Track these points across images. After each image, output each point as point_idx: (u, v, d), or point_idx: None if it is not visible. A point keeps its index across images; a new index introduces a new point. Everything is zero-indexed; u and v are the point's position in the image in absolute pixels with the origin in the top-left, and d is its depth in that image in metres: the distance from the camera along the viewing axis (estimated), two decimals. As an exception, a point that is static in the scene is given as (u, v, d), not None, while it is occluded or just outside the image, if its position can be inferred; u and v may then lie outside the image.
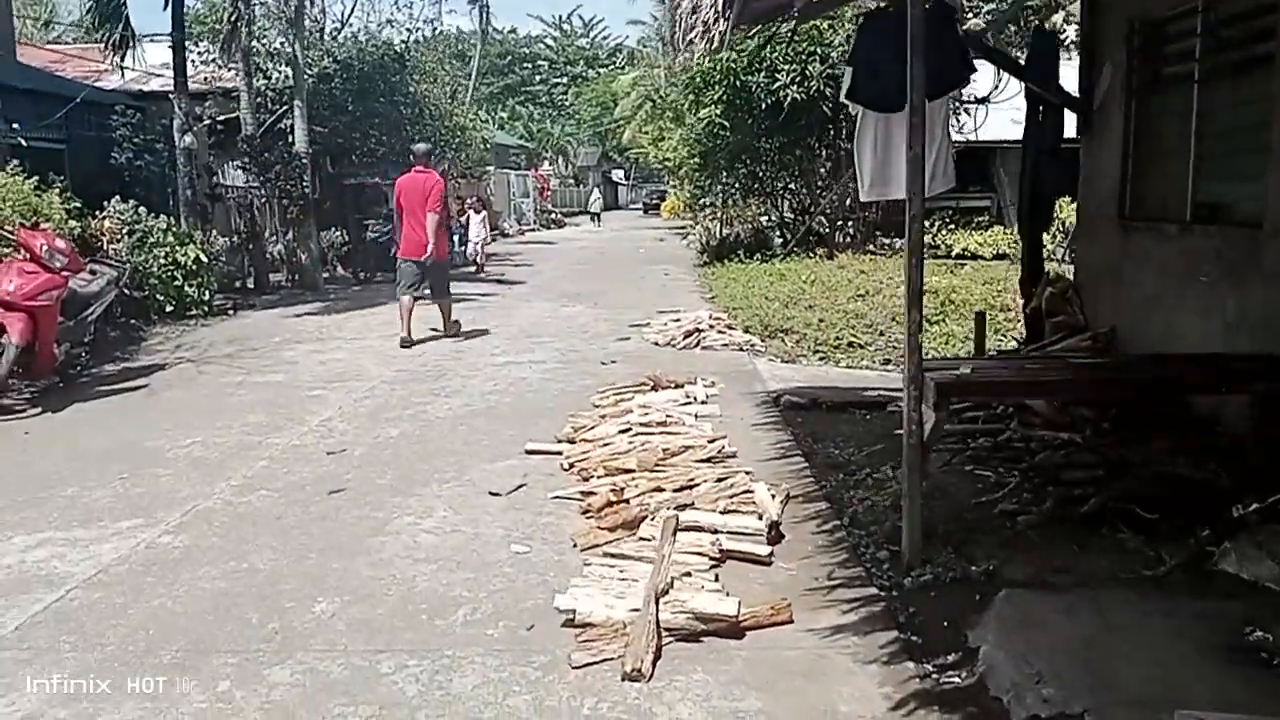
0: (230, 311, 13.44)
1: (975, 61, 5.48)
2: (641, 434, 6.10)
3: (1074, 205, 16.43)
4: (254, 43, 16.29)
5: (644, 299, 14.14)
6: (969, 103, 12.29)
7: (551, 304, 13.95)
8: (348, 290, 16.70)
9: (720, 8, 4.47)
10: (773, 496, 4.84)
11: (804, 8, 5.88)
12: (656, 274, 18.41)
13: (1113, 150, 5.87)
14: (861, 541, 4.51)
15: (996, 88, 5.76)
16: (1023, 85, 6.20)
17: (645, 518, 4.62)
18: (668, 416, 6.52)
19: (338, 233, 19.26)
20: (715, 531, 4.43)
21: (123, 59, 13.62)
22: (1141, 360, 4.74)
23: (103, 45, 13.66)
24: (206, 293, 12.96)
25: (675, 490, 5.02)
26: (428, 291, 10.64)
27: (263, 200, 16.44)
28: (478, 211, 21.01)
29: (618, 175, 70.41)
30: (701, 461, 5.58)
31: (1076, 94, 6.21)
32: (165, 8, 13.75)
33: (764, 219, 22.27)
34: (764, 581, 4.07)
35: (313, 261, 16.72)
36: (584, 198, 54.00)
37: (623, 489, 5.00)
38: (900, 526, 4.42)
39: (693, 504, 4.81)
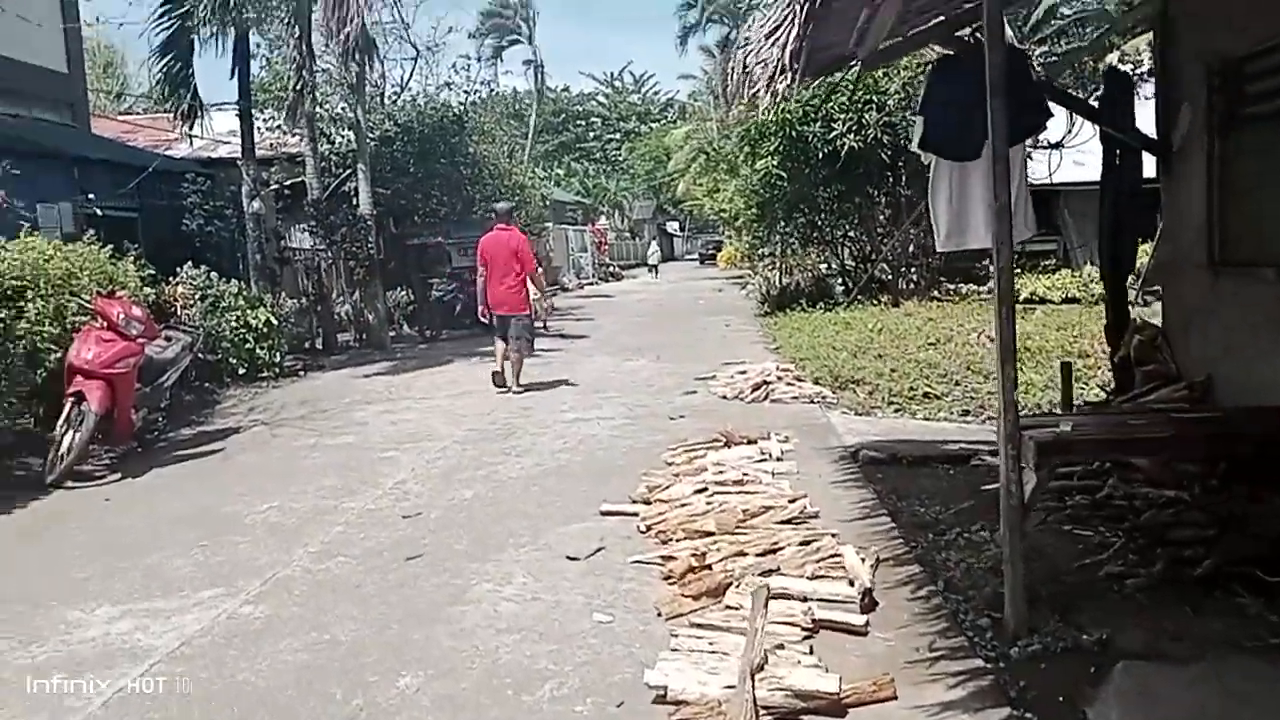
0: (300, 373, 13.62)
1: (1049, 106, 5.34)
2: (719, 493, 5.97)
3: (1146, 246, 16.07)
4: (317, 109, 16.65)
5: (707, 351, 14.04)
6: (1042, 147, 12.12)
7: (614, 358, 13.91)
8: (414, 349, 16.85)
9: (788, 61, 4.40)
10: (862, 560, 4.67)
11: (868, 58, 5.81)
12: (717, 325, 18.32)
13: (1196, 192, 5.66)
14: (959, 608, 4.31)
15: (1070, 132, 5.64)
16: (1097, 128, 6.03)
17: (730, 584, 4.47)
18: (744, 475, 6.38)
19: (403, 292, 19.52)
20: (805, 599, 4.27)
21: (191, 128, 14.03)
22: (1252, 412, 4.51)
23: (172, 115, 14.08)
24: (277, 355, 13.14)
25: (759, 555, 4.87)
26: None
27: (329, 262, 16.72)
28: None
29: (673, 227, 70.83)
30: (783, 523, 5.42)
31: (1153, 135, 6.03)
32: (231, 77, 14.18)
33: (823, 267, 22.15)
34: (861, 653, 3.90)
35: (379, 321, 16.93)
36: (640, 250, 54.35)
37: (704, 554, 4.87)
38: (1001, 592, 4.23)
39: (778, 569, 4.66)
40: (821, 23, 4.38)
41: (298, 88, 14.50)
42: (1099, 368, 9.82)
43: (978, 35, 4.73)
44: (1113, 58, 18.48)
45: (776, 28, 4.22)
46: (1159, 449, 4.37)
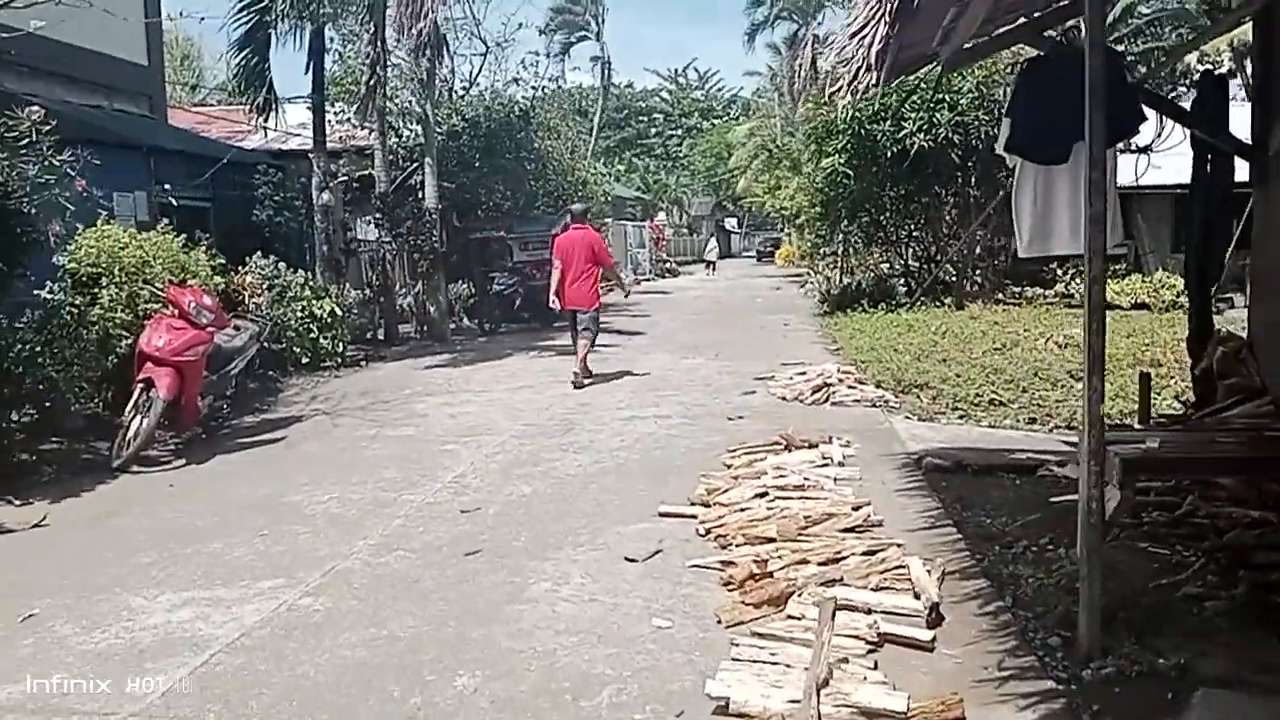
0: (362, 363, 13.74)
1: (1143, 109, 5.13)
2: (780, 499, 5.86)
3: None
4: (387, 103, 16.77)
5: (766, 350, 13.89)
6: (1129, 151, 11.76)
7: (672, 355, 13.81)
8: (474, 342, 16.93)
9: (873, 60, 4.27)
10: (928, 573, 4.52)
11: (951, 58, 5.64)
12: (776, 324, 18.13)
13: (1293, 200, 5.41)
14: (1029, 626, 4.15)
15: (1159, 136, 5.42)
16: (1188, 132, 5.78)
17: (792, 593, 4.37)
18: (805, 479, 6.25)
19: (464, 285, 19.62)
20: (869, 611, 4.15)
21: (266, 120, 14.19)
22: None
23: (247, 107, 14.27)
24: (340, 345, 13.27)
25: (821, 564, 4.77)
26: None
27: (394, 254, 16.84)
28: None
29: (731, 223, 70.46)
30: (845, 531, 5.31)
31: (1248, 140, 5.77)
32: (306, 71, 14.34)
33: (885, 267, 21.83)
34: (927, 670, 3.76)
35: (441, 314, 17.03)
36: (698, 246, 54.15)
37: (765, 560, 4.76)
38: (1074, 610, 4.06)
39: (841, 580, 4.55)
40: (908, 21, 4.24)
41: (370, 82, 14.60)
42: (1172, 378, 9.52)
43: (1068, 35, 4.55)
44: (1191, 58, 17.93)
45: (864, 25, 4.09)
46: (1251, 469, 4.16)
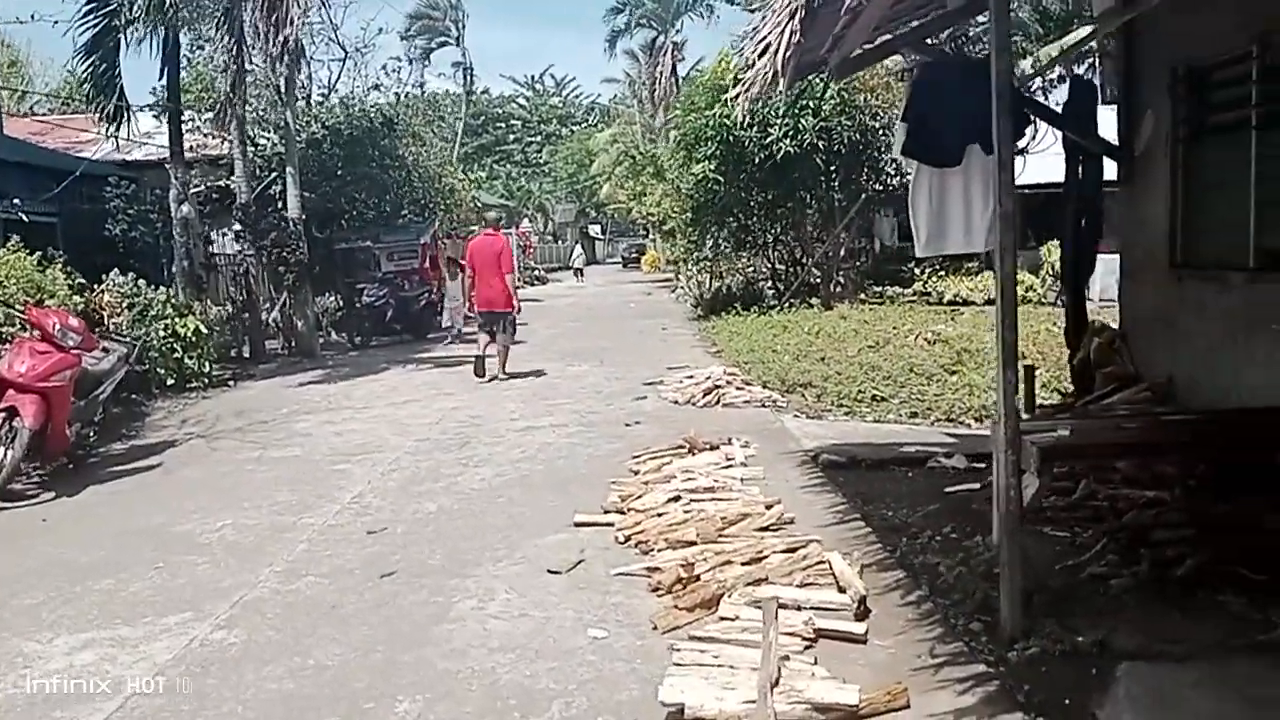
0: (230, 383, 13.20)
1: (1026, 113, 5.41)
2: (694, 501, 5.90)
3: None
4: (245, 112, 16.14)
5: (649, 355, 14.02)
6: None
7: (557, 364, 13.77)
8: (345, 356, 16.48)
9: (780, 67, 4.36)
10: (849, 566, 4.64)
11: (840, 65, 5.81)
12: (654, 329, 18.30)
13: (1159, 198, 5.80)
14: (949, 613, 4.30)
15: (1033, 138, 5.69)
16: (1060, 135, 6.13)
17: (722, 595, 4.41)
18: (715, 482, 6.33)
19: (330, 298, 19.05)
20: (799, 608, 4.23)
21: (117, 129, 13.44)
22: (1240, 414, 4.60)
23: (97, 116, 13.48)
24: (206, 364, 12.72)
25: (745, 564, 4.82)
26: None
27: (257, 267, 16.21)
28: (454, 276, 18.75)
29: (595, 230, 70.70)
30: (762, 530, 5.39)
31: (1116, 142, 6.16)
32: (160, 78, 13.65)
33: (750, 270, 22.31)
34: (864, 662, 3.86)
35: (308, 328, 16.53)
36: (563, 254, 54.18)
37: (691, 564, 4.79)
38: (992, 595, 4.25)
39: (766, 579, 4.61)
40: (808, 28, 4.35)
41: (230, 90, 13.99)
42: (1038, 368, 10.04)
43: (955, 44, 4.74)
44: (1025, 64, 19.04)
45: (770, 31, 4.17)
46: (1154, 452, 4.43)
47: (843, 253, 19.90)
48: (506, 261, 12.20)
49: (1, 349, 7.72)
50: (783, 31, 4.17)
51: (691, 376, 10.92)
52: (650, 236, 47.96)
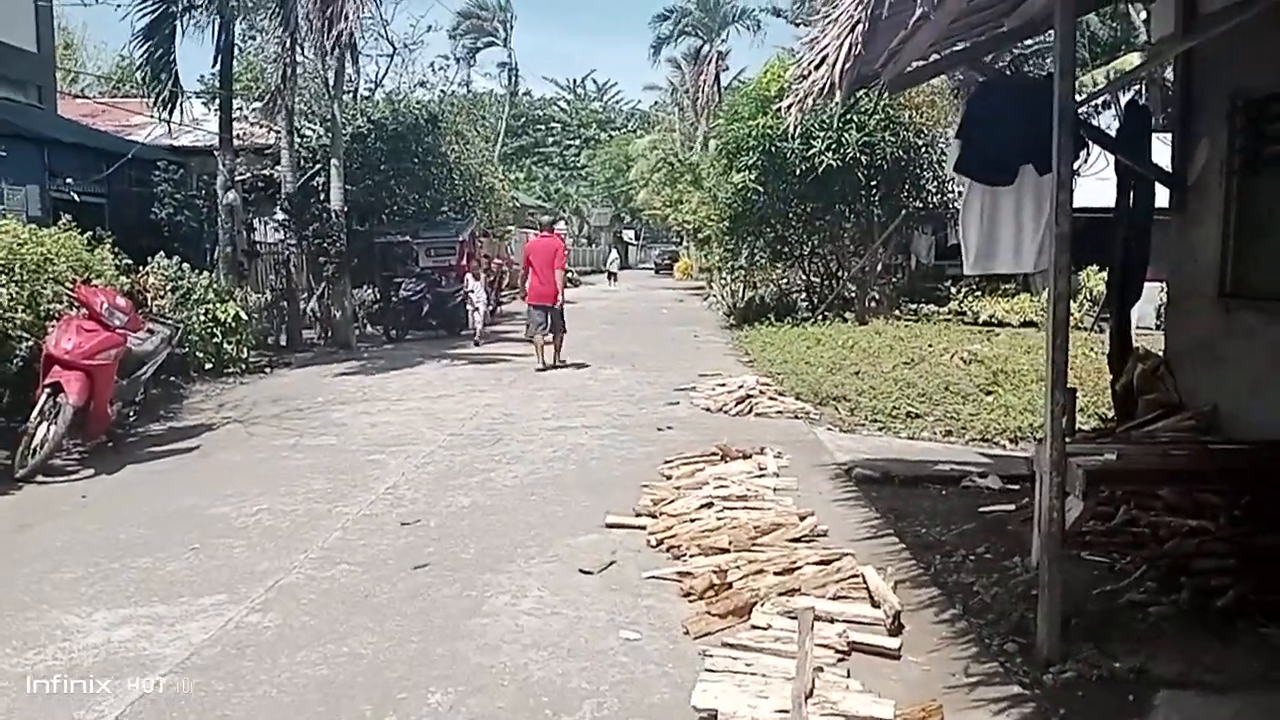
0: (267, 370, 13.28)
1: (1082, 135, 5.36)
2: (727, 509, 5.89)
3: (1102, 274, 16.22)
4: (294, 104, 16.28)
5: (681, 362, 14.01)
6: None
7: (589, 366, 13.79)
8: (381, 349, 16.57)
9: (838, 78, 4.34)
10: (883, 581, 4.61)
11: (894, 80, 5.78)
12: (686, 336, 18.29)
13: (1210, 227, 5.73)
14: (984, 632, 4.27)
15: (1085, 161, 5.63)
16: (1112, 159, 6.07)
17: (755, 604, 4.40)
18: (748, 490, 6.32)
19: (368, 290, 19.17)
20: (833, 620, 4.21)
21: (170, 114, 13.61)
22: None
23: (151, 101, 13.66)
24: (244, 350, 12.82)
25: (778, 574, 4.81)
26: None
27: (298, 257, 16.36)
28: (478, 277, 18.68)
29: (629, 235, 70.81)
30: (795, 541, 5.37)
31: (1169, 169, 6.09)
32: (214, 65, 13.81)
33: (784, 282, 22.24)
34: (897, 677, 3.83)
35: (345, 319, 16.61)
36: (597, 257, 54.25)
37: (724, 571, 4.78)
38: (1028, 616, 4.23)
39: (799, 589, 4.60)
40: (868, 44, 4.33)
41: (280, 80, 14.13)
42: (1080, 392, 9.95)
43: (1015, 64, 4.71)
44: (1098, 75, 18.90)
45: (830, 43, 4.15)
46: (1200, 480, 4.37)
47: (879, 268, 19.82)
48: (561, 260, 13.38)
49: (50, 325, 7.79)
50: (843, 43, 4.15)
51: (724, 384, 10.91)
52: (684, 243, 47.97)
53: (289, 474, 7.38)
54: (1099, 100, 18.21)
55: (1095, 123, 13.15)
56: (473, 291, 17.97)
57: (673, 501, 6.14)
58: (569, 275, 14.73)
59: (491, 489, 6.87)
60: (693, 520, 5.71)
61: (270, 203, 16.90)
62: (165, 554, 5.39)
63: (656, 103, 58.96)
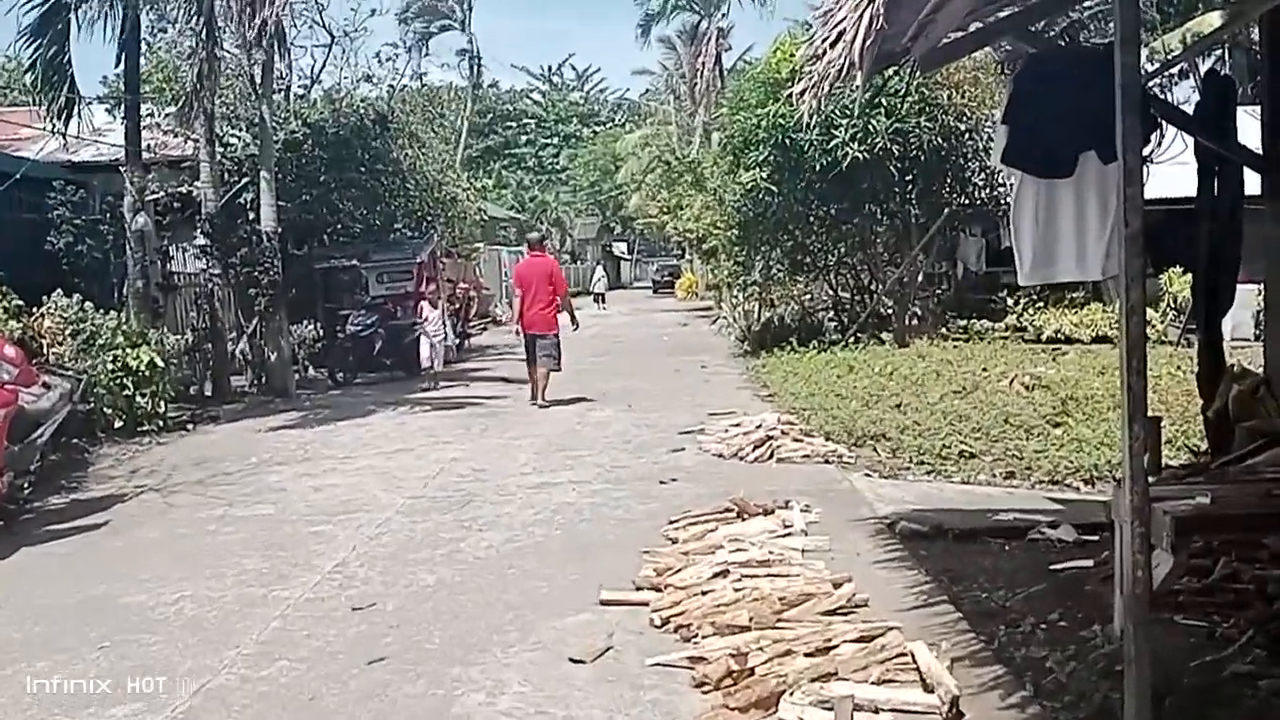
0: (189, 426, 13.34)
1: (1154, 115, 5.39)
2: (745, 577, 5.88)
3: (1186, 278, 16.29)
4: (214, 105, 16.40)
5: (686, 398, 14.08)
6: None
7: (577, 406, 13.84)
8: (325, 396, 16.62)
9: (858, 57, 4.37)
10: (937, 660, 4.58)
11: (927, 55, 5.83)
12: (692, 367, 18.35)
13: (1313, 217, 5.75)
14: (1060, 718, 4.24)
15: (1158, 144, 5.61)
16: (1191, 140, 6.09)
17: (783, 692, 4.37)
18: (770, 553, 6.31)
19: (309, 326, 19.20)
20: (877, 710, 4.18)
21: (66, 125, 13.69)
22: None
23: (44, 109, 13.75)
24: (162, 403, 12.86)
25: (809, 655, 4.78)
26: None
27: (224, 289, 16.40)
28: (434, 304, 18.37)
29: (620, 249, 71.20)
30: (829, 614, 5.36)
31: (1258, 149, 6.11)
32: (116, 65, 13.90)
33: (807, 299, 22.33)
34: (958, 778, 3.80)
35: (283, 362, 16.68)
36: (583, 276, 54.46)
37: (744, 654, 4.75)
38: (1111, 697, 4.19)
39: (836, 673, 4.57)
40: (892, 13, 4.36)
41: (197, 78, 14.22)
42: (1164, 420, 9.94)
43: (1069, 32, 4.75)
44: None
45: (847, 16, 4.18)
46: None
47: (920, 279, 19.87)
48: (560, 282, 14.17)
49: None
50: (862, 15, 4.17)
51: (739, 425, 10.91)
52: (686, 257, 48.24)
53: (217, 552, 7.37)
54: (1173, 71, 18.32)
55: (1169, 98, 13.24)
56: (426, 321, 17.73)
57: (680, 571, 6.13)
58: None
59: (461, 562, 6.86)
60: (705, 593, 5.69)
61: (189, 226, 16.97)
62: (67, 655, 5.37)
63: (648, 91, 59.60)
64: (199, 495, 9.32)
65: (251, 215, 17.20)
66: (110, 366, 12.14)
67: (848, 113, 16.78)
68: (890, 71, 14.07)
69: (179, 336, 15.97)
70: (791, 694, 4.34)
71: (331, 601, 6.13)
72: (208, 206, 16.02)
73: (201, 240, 16.32)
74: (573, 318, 14.91)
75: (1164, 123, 5.93)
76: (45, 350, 11.29)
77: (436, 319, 18.00)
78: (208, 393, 15.84)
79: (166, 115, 18.57)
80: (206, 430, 13.30)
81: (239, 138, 19.33)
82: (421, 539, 7.48)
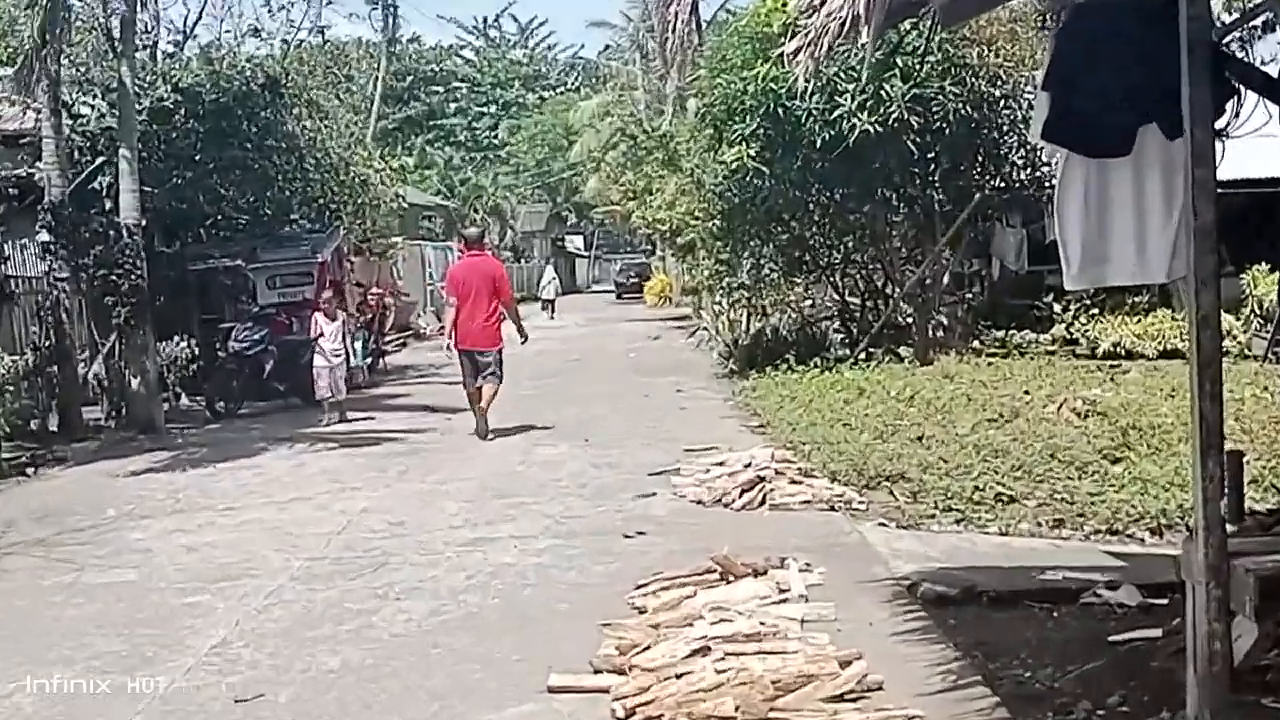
0: (29, 471, 13.31)
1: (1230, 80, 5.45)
2: (731, 654, 5.89)
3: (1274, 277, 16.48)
4: (61, 67, 16.33)
5: (659, 431, 14.19)
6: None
7: (519, 441, 13.89)
8: (202, 431, 16.59)
9: (863, 8, 4.41)
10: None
11: (950, 7, 5.89)
12: (665, 390, 18.47)
13: None
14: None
15: (1235, 115, 5.65)
16: (1277, 109, 6.17)
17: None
18: (762, 625, 6.32)
19: (182, 343, 19.10)
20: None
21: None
22: None
23: None
24: (-6, 442, 12.76)
25: (812, 752, 4.79)
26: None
27: (73, 297, 16.29)
28: (333, 315, 17.60)
29: (575, 243, 71.35)
30: (833, 700, 5.38)
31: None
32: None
33: (806, 305, 22.42)
34: None
35: (149, 388, 16.55)
36: (529, 277, 54.59)
37: (731, 754, 4.77)
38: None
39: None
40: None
41: (39, 34, 14.16)
42: (1247, 454, 10.04)
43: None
44: (1217, 6, 19.26)
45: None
46: None
47: (946, 280, 19.99)
48: (504, 288, 14.52)
49: None
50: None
51: (723, 463, 10.96)
52: (657, 254, 48.37)
53: (63, 630, 7.33)
54: (1256, 22, 18.57)
55: (1249, 56, 13.43)
56: (322, 337, 17.13)
57: (649, 648, 6.13)
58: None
59: (373, 640, 6.85)
60: (680, 675, 5.69)
61: (28, 217, 16.87)
62: None
63: (607, 48, 59.95)
64: (40, 557, 9.27)
65: (108, 204, 17.14)
66: (-73, 396, 12.08)
67: (854, 76, 16.86)
68: (907, 25, 14.23)
69: (15, 357, 15.85)
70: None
71: (209, 691, 6.10)
72: (52, 194, 15.95)
73: (45, 236, 16.22)
74: (520, 329, 15.10)
75: (1242, 87, 6.01)
76: None
77: (335, 334, 17.33)
78: (53, 427, 15.78)
79: (3, 79, 18.49)
80: (52, 475, 13.30)
81: (92, 106, 19.28)
82: (323, 611, 7.47)
